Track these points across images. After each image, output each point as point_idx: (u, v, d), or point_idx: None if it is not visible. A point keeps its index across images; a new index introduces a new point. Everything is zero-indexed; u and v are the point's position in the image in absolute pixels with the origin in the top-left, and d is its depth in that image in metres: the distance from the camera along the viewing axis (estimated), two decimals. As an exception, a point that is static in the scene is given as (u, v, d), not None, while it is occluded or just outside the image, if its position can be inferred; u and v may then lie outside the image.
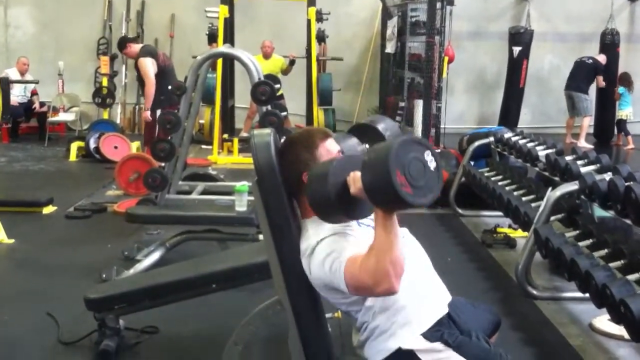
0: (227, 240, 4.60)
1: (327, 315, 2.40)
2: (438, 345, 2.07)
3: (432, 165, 1.85)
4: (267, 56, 9.74)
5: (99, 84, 10.93)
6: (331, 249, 2.01)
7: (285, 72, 9.86)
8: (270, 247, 2.20)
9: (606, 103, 10.76)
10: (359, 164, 1.88)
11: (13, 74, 10.31)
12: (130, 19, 11.90)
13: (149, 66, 6.79)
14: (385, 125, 2.67)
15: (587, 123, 10.50)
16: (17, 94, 10.30)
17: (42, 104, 10.45)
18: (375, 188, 1.82)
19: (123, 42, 7.29)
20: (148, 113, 6.77)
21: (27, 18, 12.01)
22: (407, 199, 1.77)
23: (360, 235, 2.07)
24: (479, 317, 2.34)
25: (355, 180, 1.89)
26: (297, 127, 9.01)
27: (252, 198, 4.05)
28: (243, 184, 4.49)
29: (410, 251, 2.19)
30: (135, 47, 7.07)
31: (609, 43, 11.00)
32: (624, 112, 10.58)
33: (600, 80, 10.61)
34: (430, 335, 2.08)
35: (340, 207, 1.96)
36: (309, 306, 2.23)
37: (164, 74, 6.90)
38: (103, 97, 9.90)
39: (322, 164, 2.05)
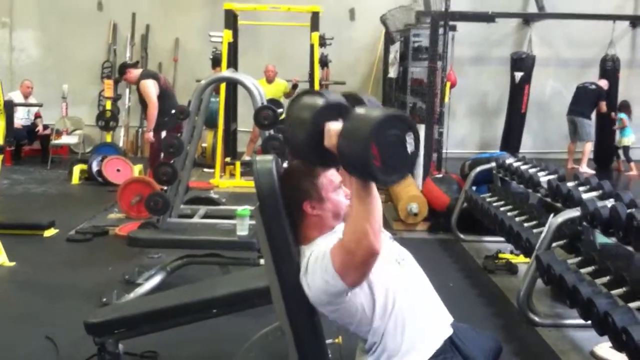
0: (228, 265, 4.59)
1: (328, 341, 2.39)
2: None
3: (410, 147, 1.85)
4: (270, 80, 9.79)
5: (102, 107, 10.97)
6: (317, 255, 2.05)
7: (288, 96, 9.91)
8: (271, 272, 2.20)
9: (605, 128, 10.77)
10: (339, 114, 1.91)
11: (16, 97, 10.33)
12: (134, 43, 11.98)
13: (151, 88, 6.83)
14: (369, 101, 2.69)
15: (589, 148, 10.51)
16: (21, 117, 10.33)
17: (45, 127, 10.49)
18: (348, 153, 1.83)
19: (123, 68, 7.35)
20: (151, 135, 6.80)
21: (32, 41, 12.10)
22: (375, 172, 1.79)
23: None
24: (481, 343, 2.34)
25: (330, 134, 1.89)
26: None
27: (253, 222, 4.06)
28: (245, 208, 4.49)
29: (412, 275, 2.21)
30: (135, 72, 7.13)
31: (609, 69, 11.04)
32: (627, 138, 10.57)
33: (603, 106, 10.63)
34: None
35: (311, 153, 1.99)
36: (310, 332, 2.22)
37: (166, 96, 6.94)
38: (106, 120, 9.94)
39: (305, 107, 2.04)
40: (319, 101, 2.02)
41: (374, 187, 1.89)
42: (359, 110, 1.92)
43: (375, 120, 1.80)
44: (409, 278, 2.17)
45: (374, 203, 1.89)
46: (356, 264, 1.94)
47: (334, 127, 1.89)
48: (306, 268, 2.08)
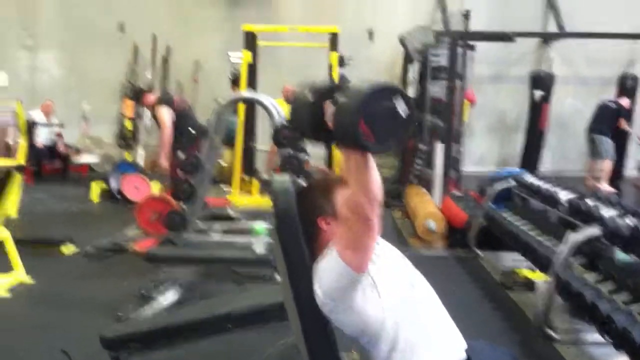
0: (244, 281, 4.59)
1: (342, 354, 2.38)
2: None
3: (403, 112, 1.85)
4: (288, 100, 9.82)
5: (122, 125, 11.08)
6: (325, 253, 2.07)
7: None
8: (287, 291, 2.20)
9: (619, 146, 10.68)
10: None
11: (37, 116, 10.49)
12: (155, 63, 12.10)
13: (166, 115, 6.91)
14: None
15: (609, 166, 10.40)
16: (43, 137, 10.47)
17: (66, 146, 10.59)
18: (341, 131, 1.86)
19: (139, 94, 7.48)
20: (163, 161, 6.84)
21: (54, 62, 12.27)
22: (367, 146, 1.82)
23: None
24: (498, 358, 2.31)
25: (330, 112, 1.93)
26: (316, 169, 9.04)
27: (269, 239, 4.06)
28: (261, 225, 4.50)
29: (425, 297, 2.18)
30: (151, 97, 7.26)
31: (629, 87, 10.98)
32: None
33: (623, 123, 10.55)
34: None
35: (313, 131, 2.03)
36: (325, 349, 2.21)
37: (181, 117, 7.01)
38: (126, 139, 10.02)
39: (309, 86, 2.07)
40: (321, 83, 2.06)
41: (370, 159, 1.89)
42: (348, 87, 1.93)
43: (359, 97, 1.82)
44: (421, 300, 2.16)
45: (371, 175, 1.89)
46: (354, 238, 1.95)
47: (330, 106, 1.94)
48: (317, 274, 2.08)
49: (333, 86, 2.01)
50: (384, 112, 1.83)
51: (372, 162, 1.90)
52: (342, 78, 9.72)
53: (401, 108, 1.85)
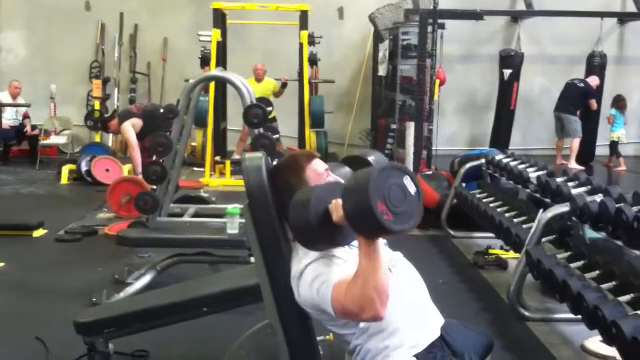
0: (218, 263, 4.58)
1: (319, 337, 2.39)
2: None
3: (411, 190, 1.86)
4: (259, 79, 9.78)
5: (90, 107, 10.94)
6: (318, 272, 2.02)
7: (277, 94, 9.91)
8: (261, 270, 2.20)
9: (588, 125, 10.82)
10: (341, 191, 1.90)
11: (4, 97, 10.32)
12: (122, 43, 11.94)
13: (129, 130, 6.92)
14: (375, 158, 2.72)
15: (577, 144, 10.53)
16: (9, 118, 10.32)
17: (33, 127, 10.44)
18: (357, 217, 1.82)
19: (104, 123, 7.58)
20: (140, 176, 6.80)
21: (19, 41, 12.04)
22: (389, 227, 1.78)
23: (349, 256, 2.07)
24: (472, 338, 2.33)
25: (337, 207, 1.90)
26: (289, 150, 9.03)
27: (243, 221, 4.04)
28: (234, 207, 4.48)
29: (404, 275, 2.20)
30: (114, 122, 7.26)
31: (597, 65, 11.10)
32: (616, 133, 10.65)
33: (593, 104, 10.68)
34: (424, 357, 2.07)
35: (322, 235, 1.98)
36: (300, 329, 2.22)
37: (146, 116, 6.98)
38: (95, 120, 9.90)
39: (304, 191, 2.06)
40: (314, 186, 2.07)
41: (379, 248, 1.87)
42: (351, 178, 1.92)
43: (370, 176, 1.80)
44: (399, 284, 2.16)
45: (381, 264, 1.87)
46: (355, 319, 1.97)
47: (335, 201, 1.92)
48: (300, 275, 2.06)
49: (333, 185, 2.03)
50: (395, 190, 1.82)
51: (381, 257, 1.88)
52: (312, 57, 9.71)
53: (409, 185, 1.86)
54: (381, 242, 2.26)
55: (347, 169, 2.50)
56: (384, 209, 1.78)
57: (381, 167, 1.86)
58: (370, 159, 2.70)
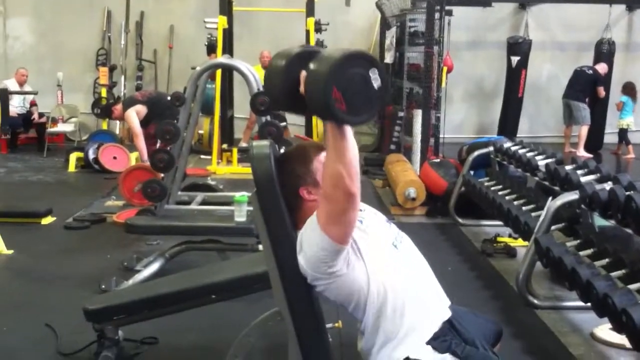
0: (226, 251, 4.59)
1: (328, 325, 2.39)
2: (447, 356, 2.07)
3: (375, 83, 1.82)
4: (265, 66, 9.75)
5: (97, 94, 10.94)
6: (307, 225, 2.06)
7: None
8: (269, 257, 2.19)
9: (597, 112, 10.77)
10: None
11: (12, 85, 10.33)
12: (129, 30, 11.93)
13: (133, 118, 6.94)
14: None
15: (586, 132, 10.50)
16: (16, 105, 10.33)
17: (40, 115, 10.46)
18: (313, 98, 1.82)
19: (107, 110, 7.49)
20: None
21: (26, 29, 12.05)
22: (340, 116, 1.78)
23: None
24: (482, 326, 2.34)
25: (303, 80, 1.90)
26: (296, 137, 9.02)
27: (251, 208, 4.04)
28: (242, 194, 4.47)
29: (410, 258, 2.21)
30: (119, 107, 7.27)
31: (605, 52, 11.04)
32: (625, 121, 10.59)
33: (601, 91, 10.62)
34: (438, 345, 2.08)
35: (286, 100, 2.00)
36: (309, 316, 2.22)
37: (152, 103, 6.98)
38: (102, 107, 9.90)
39: (286, 52, 2.03)
40: (295, 50, 2.01)
41: (347, 129, 1.87)
42: (322, 53, 1.90)
43: (333, 62, 1.77)
44: (406, 261, 2.18)
45: (347, 146, 1.87)
46: (336, 212, 1.94)
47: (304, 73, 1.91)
48: (300, 245, 2.08)
49: (307, 52, 1.97)
50: (357, 81, 1.78)
51: (350, 133, 1.88)
52: (319, 44, 9.66)
53: (374, 79, 1.82)
54: (382, 217, 2.28)
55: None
56: (338, 96, 1.75)
57: (348, 54, 1.81)
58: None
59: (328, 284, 2.07)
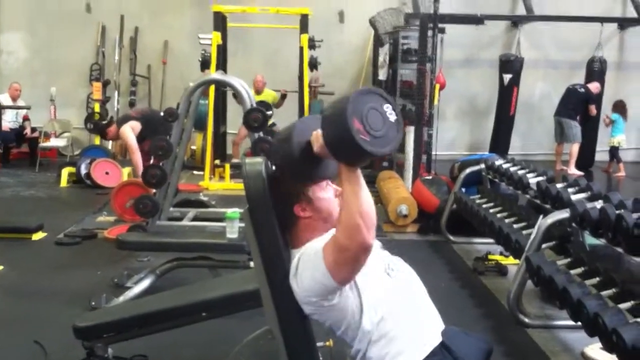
0: (218, 268, 4.57)
1: (319, 344, 2.38)
2: None
3: (391, 117, 1.85)
4: (259, 91, 9.76)
5: (91, 109, 10.94)
6: (307, 253, 2.04)
7: (277, 105, 9.90)
8: (261, 275, 2.19)
9: (588, 130, 10.81)
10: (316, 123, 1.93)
11: (5, 99, 10.32)
12: (123, 45, 11.94)
13: (128, 134, 6.92)
14: None
15: (577, 150, 10.54)
16: (9, 120, 10.31)
17: (33, 130, 10.44)
18: (335, 139, 1.83)
19: (102, 131, 7.48)
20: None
21: (20, 44, 12.05)
22: (365, 147, 1.78)
23: None
24: (472, 345, 2.33)
25: (317, 137, 1.92)
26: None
27: (243, 225, 4.04)
28: (234, 211, 4.47)
29: (403, 285, 2.19)
30: (112, 128, 7.25)
31: (597, 70, 11.11)
32: (616, 138, 10.62)
33: (593, 109, 10.67)
34: None
35: (304, 166, 2.02)
36: (300, 335, 2.20)
37: (146, 120, 6.98)
38: (95, 122, 9.89)
39: (286, 127, 2.08)
40: (294, 122, 2.08)
41: (361, 178, 1.88)
42: (329, 105, 1.93)
43: (348, 98, 1.80)
44: (399, 288, 2.16)
45: (365, 194, 1.88)
46: (348, 260, 1.92)
47: (316, 132, 1.93)
48: (296, 269, 2.06)
49: (311, 118, 2.07)
50: (373, 115, 1.81)
51: (364, 182, 1.89)
52: (313, 61, 9.70)
53: (389, 113, 1.84)
54: (377, 244, 2.27)
55: None
56: (360, 128, 1.77)
57: (360, 91, 1.85)
58: None
59: (319, 311, 2.07)
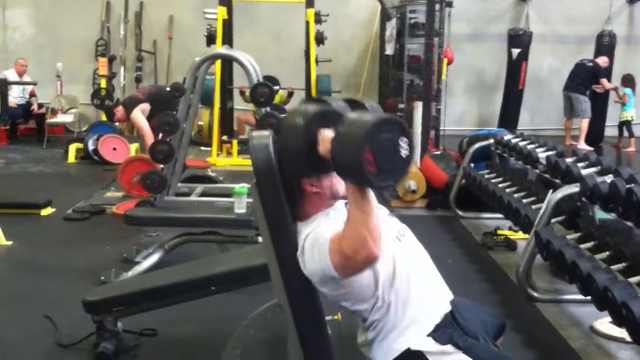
0: (226, 243, 4.57)
1: (327, 317, 2.38)
2: (448, 347, 2.06)
3: (404, 151, 1.83)
4: (245, 99, 9.67)
5: (97, 85, 10.91)
6: (316, 238, 2.01)
7: (284, 103, 9.81)
8: (269, 249, 2.18)
9: (597, 105, 10.74)
10: (332, 119, 1.91)
11: (11, 75, 10.30)
12: (128, 20, 11.89)
13: (140, 118, 6.81)
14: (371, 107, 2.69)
15: (586, 125, 10.47)
16: (16, 96, 10.30)
17: (40, 106, 10.44)
18: (343, 162, 1.82)
19: (109, 112, 7.34)
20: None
21: (25, 19, 12.00)
22: (369, 177, 1.77)
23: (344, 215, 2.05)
24: (484, 319, 2.33)
25: (324, 140, 1.91)
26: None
27: (251, 200, 4.04)
28: (242, 186, 4.46)
29: (412, 250, 2.19)
30: (120, 109, 7.12)
31: (606, 45, 11.00)
32: (628, 113, 10.53)
33: (605, 83, 10.57)
34: (439, 337, 2.07)
35: (304, 160, 2.00)
36: (308, 308, 2.21)
37: (152, 99, 6.89)
38: (102, 98, 9.85)
39: (300, 111, 2.05)
40: (313, 108, 2.03)
41: (370, 192, 1.86)
42: (353, 115, 1.91)
43: (368, 125, 1.78)
44: (409, 254, 2.16)
45: (371, 208, 1.86)
46: (354, 266, 1.92)
47: (327, 133, 1.91)
48: (302, 248, 2.06)
49: (325, 112, 1.99)
50: (387, 146, 1.79)
51: (373, 196, 1.87)
52: (319, 36, 9.63)
53: (403, 147, 1.82)
54: (385, 212, 2.27)
55: (344, 104, 2.46)
56: (370, 158, 1.75)
57: (382, 119, 1.83)
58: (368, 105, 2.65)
59: (328, 288, 2.08)
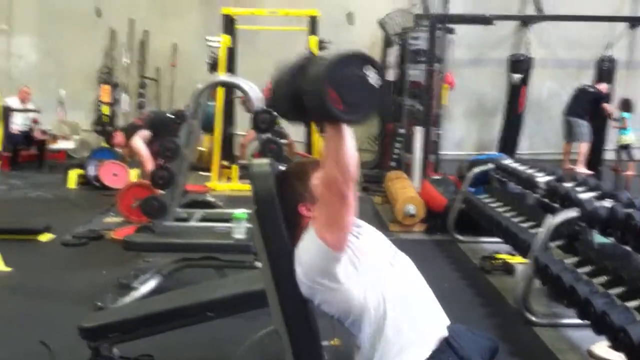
0: (224, 268, 4.56)
1: (324, 343, 2.37)
2: None
3: (373, 80, 1.82)
4: (248, 110, 9.73)
5: (99, 112, 10.97)
6: (304, 236, 2.07)
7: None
8: (267, 275, 2.19)
9: (597, 129, 10.73)
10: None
11: (14, 102, 10.35)
12: (132, 48, 11.96)
13: (139, 145, 6.81)
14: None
15: (586, 149, 10.46)
16: (18, 123, 10.34)
17: (42, 132, 10.48)
18: (310, 100, 1.83)
19: (108, 135, 7.38)
20: None
21: (30, 47, 12.10)
22: (335, 113, 1.78)
23: None
24: (478, 343, 2.31)
25: None
26: (298, 155, 9.02)
27: (250, 225, 4.04)
28: (241, 211, 4.47)
29: (407, 276, 2.19)
30: (119, 135, 7.15)
31: (606, 69, 11.04)
32: (627, 137, 10.51)
33: (607, 107, 10.57)
34: None
35: (291, 109, 1.99)
36: (305, 333, 2.21)
37: (151, 124, 6.91)
38: (103, 125, 9.93)
39: (290, 64, 2.03)
40: (302, 57, 2.02)
41: (345, 131, 1.87)
42: (313, 64, 1.90)
43: (326, 63, 1.79)
44: (403, 279, 2.16)
45: (344, 147, 1.88)
46: (331, 215, 1.95)
47: None
48: (298, 256, 2.08)
49: (310, 59, 1.98)
50: (354, 80, 1.79)
51: (348, 137, 1.88)
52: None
53: (372, 77, 1.82)
54: (382, 237, 2.28)
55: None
56: (334, 96, 1.76)
57: (341, 54, 1.83)
58: None
59: (325, 295, 2.06)
